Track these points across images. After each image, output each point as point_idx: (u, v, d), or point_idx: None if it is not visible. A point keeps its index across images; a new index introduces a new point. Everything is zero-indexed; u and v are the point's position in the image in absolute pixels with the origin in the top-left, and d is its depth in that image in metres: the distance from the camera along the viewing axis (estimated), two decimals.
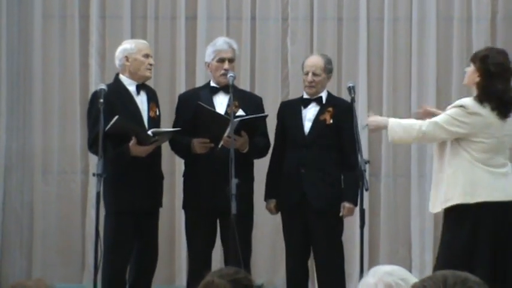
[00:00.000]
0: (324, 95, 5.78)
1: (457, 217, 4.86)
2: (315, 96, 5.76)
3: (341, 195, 5.66)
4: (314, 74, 5.71)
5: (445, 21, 7.16)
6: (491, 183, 4.83)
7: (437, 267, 4.91)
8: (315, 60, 5.78)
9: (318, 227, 5.62)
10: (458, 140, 4.87)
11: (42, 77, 7.24)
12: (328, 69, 5.78)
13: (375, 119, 5.21)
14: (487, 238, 4.79)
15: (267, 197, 5.87)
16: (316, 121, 5.72)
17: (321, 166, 5.66)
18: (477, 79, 4.88)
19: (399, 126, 4.99)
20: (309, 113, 5.76)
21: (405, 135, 4.98)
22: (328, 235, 5.66)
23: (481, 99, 4.84)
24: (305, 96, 5.82)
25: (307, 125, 5.73)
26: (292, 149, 5.75)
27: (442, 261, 4.83)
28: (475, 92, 4.90)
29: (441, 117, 4.90)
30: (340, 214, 5.65)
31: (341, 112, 5.63)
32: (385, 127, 5.06)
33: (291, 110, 5.84)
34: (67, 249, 7.22)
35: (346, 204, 5.61)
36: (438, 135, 4.88)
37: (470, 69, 4.94)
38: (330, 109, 5.72)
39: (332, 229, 5.67)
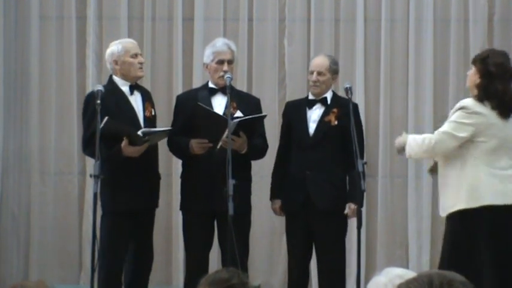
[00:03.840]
0: (329, 95, 5.77)
1: (460, 220, 4.82)
2: (320, 97, 5.75)
3: (346, 196, 5.65)
4: (319, 74, 5.71)
5: (442, 22, 7.15)
6: (495, 186, 4.78)
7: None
8: (320, 60, 5.79)
9: (321, 228, 5.63)
10: (462, 143, 4.84)
11: (39, 78, 7.23)
12: (333, 69, 5.78)
13: (397, 140, 5.13)
14: (490, 241, 4.75)
15: (272, 197, 5.87)
16: (321, 122, 5.71)
17: (326, 167, 5.66)
18: (478, 80, 4.86)
19: (414, 141, 4.93)
20: (314, 114, 5.75)
21: (418, 149, 4.91)
22: (332, 236, 5.66)
23: (481, 98, 4.81)
24: (310, 97, 5.81)
25: (311, 127, 5.72)
26: (297, 150, 5.74)
27: (447, 265, 4.74)
28: (475, 93, 4.87)
29: (447, 125, 4.85)
30: (345, 212, 5.64)
31: (346, 113, 5.54)
32: (405, 143, 5.01)
33: (296, 110, 5.83)
34: (64, 250, 7.22)
35: (352, 205, 5.60)
36: (449, 144, 4.81)
37: (471, 71, 4.93)
38: (335, 110, 5.71)
39: (335, 230, 5.68)
